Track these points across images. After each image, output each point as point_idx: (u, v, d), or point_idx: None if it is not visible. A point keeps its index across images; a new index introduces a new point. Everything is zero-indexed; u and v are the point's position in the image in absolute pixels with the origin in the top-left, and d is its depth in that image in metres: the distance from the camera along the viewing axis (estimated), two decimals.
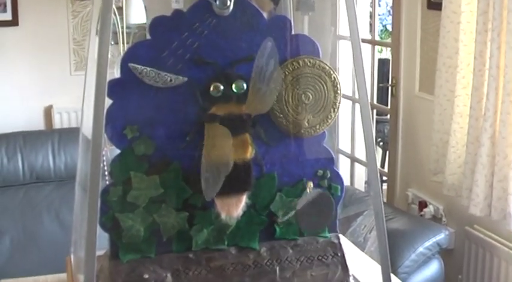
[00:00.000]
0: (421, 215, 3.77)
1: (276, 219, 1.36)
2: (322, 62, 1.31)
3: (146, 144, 1.27)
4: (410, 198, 4.04)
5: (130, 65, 1.22)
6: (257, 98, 1.26)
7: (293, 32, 1.31)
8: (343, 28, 4.73)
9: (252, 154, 1.29)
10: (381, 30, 6.03)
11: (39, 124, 4.93)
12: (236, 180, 1.29)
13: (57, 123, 4.99)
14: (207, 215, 1.31)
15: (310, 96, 1.31)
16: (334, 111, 1.33)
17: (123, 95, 1.25)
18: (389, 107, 4.19)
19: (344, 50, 4.72)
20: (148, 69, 1.22)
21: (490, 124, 3.00)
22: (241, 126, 1.28)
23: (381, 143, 5.30)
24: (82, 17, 4.98)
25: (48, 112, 5.05)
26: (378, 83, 4.92)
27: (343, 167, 4.79)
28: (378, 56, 5.24)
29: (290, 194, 1.36)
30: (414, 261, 3.08)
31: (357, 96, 4.50)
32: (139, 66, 1.22)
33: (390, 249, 3.12)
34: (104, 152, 1.38)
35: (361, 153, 4.80)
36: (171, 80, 1.22)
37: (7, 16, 4.83)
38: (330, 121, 1.33)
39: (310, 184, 1.33)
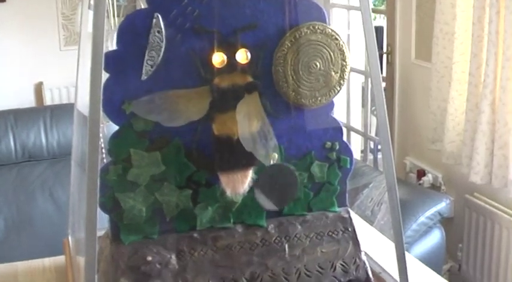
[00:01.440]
0: (420, 184, 3.75)
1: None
2: (329, 28, 1.24)
3: (146, 119, 1.20)
4: (408, 166, 4.01)
5: (156, 14, 1.14)
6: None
7: None
8: None
9: (257, 127, 1.23)
10: None
11: (30, 101, 4.84)
12: (241, 155, 1.22)
13: (48, 100, 4.91)
14: (212, 192, 1.25)
15: (318, 64, 1.24)
16: (342, 79, 1.27)
17: (121, 68, 1.17)
18: (384, 75, 4.14)
19: (337, 18, 4.65)
20: (163, 32, 1.15)
21: (490, 90, 2.95)
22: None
23: (376, 112, 5.25)
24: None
25: (38, 89, 4.97)
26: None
27: (353, 137, 4.76)
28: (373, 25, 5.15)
29: (298, 168, 1.29)
30: (415, 230, 3.05)
31: (351, 64, 4.45)
32: (159, 22, 1.15)
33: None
34: (100, 129, 1.32)
35: (356, 122, 4.76)
36: (151, 66, 1.16)
37: None
38: (339, 89, 1.27)
39: (275, 156, 1.25)
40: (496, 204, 3.25)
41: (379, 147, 4.35)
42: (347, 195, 1.36)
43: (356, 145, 4.81)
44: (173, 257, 1.23)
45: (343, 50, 1.26)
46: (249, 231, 1.28)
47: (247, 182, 1.24)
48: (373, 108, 5.24)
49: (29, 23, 4.81)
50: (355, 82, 4.68)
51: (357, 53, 4.42)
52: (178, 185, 1.24)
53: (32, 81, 4.95)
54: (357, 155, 4.71)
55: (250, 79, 1.21)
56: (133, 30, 1.16)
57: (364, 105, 4.81)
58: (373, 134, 4.98)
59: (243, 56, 1.20)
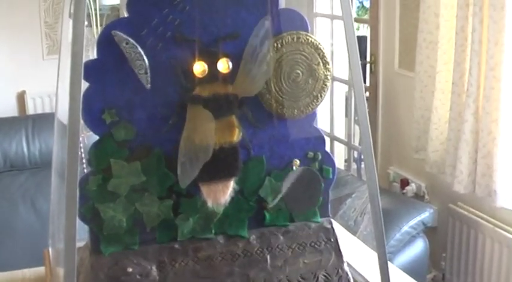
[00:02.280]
0: (403, 193, 3.74)
1: (266, 204, 1.29)
2: (312, 37, 1.24)
3: (126, 129, 1.19)
4: (391, 176, 4.01)
5: (114, 32, 1.13)
6: (247, 79, 1.18)
7: (280, 7, 1.23)
8: (320, 5, 4.66)
9: (239, 137, 1.22)
10: (358, 7, 5.96)
11: (12, 110, 4.81)
12: (223, 165, 1.22)
13: (30, 109, 4.87)
14: (193, 203, 1.24)
15: (300, 73, 1.24)
16: (324, 89, 1.26)
17: (100, 77, 1.16)
18: (368, 84, 4.14)
19: (321, 27, 4.66)
20: (132, 41, 1.14)
21: (473, 100, 2.96)
22: (227, 107, 1.20)
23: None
24: (53, 0, 4.84)
25: (21, 98, 4.93)
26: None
27: (336, 146, 4.75)
28: (356, 33, 5.17)
29: (280, 178, 1.29)
30: (399, 240, 3.05)
31: (335, 74, 4.44)
32: (125, 36, 1.13)
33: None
34: (80, 139, 1.30)
35: (339, 132, 4.76)
36: (146, 72, 1.14)
37: None
38: (320, 99, 1.26)
39: (297, 162, 1.26)
40: (480, 214, 3.25)
41: (362, 156, 4.36)
42: (330, 205, 1.35)
43: (339, 154, 4.80)
44: (154, 268, 1.22)
45: (325, 59, 1.26)
46: (230, 242, 1.27)
47: (229, 192, 1.23)
48: (357, 117, 5.25)
49: (12, 31, 4.78)
50: (338, 91, 4.69)
51: (340, 62, 4.42)
52: (159, 195, 1.22)
53: (15, 90, 4.91)
54: (340, 164, 4.71)
55: (231, 89, 1.20)
56: (114, 40, 1.15)
57: (347, 114, 4.81)
58: (356, 143, 4.98)
59: (224, 65, 1.19)
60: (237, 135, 1.22)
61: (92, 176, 1.19)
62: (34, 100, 4.87)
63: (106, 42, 1.15)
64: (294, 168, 1.27)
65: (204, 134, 1.19)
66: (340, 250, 1.32)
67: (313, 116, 1.29)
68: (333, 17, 4.53)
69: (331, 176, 1.33)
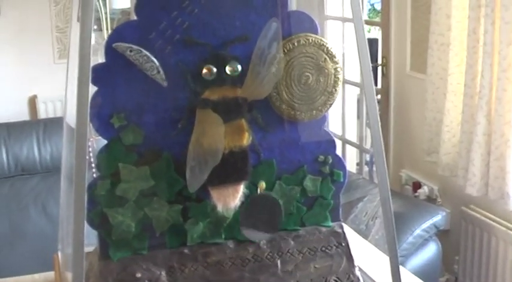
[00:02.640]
0: (416, 196, 3.72)
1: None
2: (322, 39, 1.22)
3: (135, 133, 1.18)
4: (403, 179, 3.98)
5: (115, 45, 1.12)
6: (255, 82, 1.17)
7: (289, 9, 1.21)
8: (331, 7, 4.65)
9: (249, 140, 1.21)
10: (369, 10, 5.94)
11: (23, 115, 4.81)
12: (232, 169, 1.20)
13: (42, 113, 4.88)
14: (202, 207, 1.23)
15: (310, 76, 1.22)
16: (335, 92, 1.25)
17: (109, 81, 1.15)
18: (379, 87, 4.12)
19: (331, 30, 4.64)
20: (135, 47, 1.13)
21: (486, 102, 2.93)
22: (237, 110, 1.19)
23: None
24: (64, 4, 4.85)
25: (32, 102, 4.94)
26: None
27: (349, 149, 4.73)
28: (367, 35, 5.14)
29: (290, 182, 1.27)
30: (411, 243, 3.02)
31: (346, 77, 4.42)
32: (127, 45, 1.12)
33: None
34: (89, 143, 1.30)
35: (351, 135, 4.73)
36: (158, 71, 1.13)
37: None
38: (331, 102, 1.25)
39: (262, 184, 1.24)
40: (493, 216, 3.22)
41: (374, 159, 4.34)
42: (341, 209, 1.34)
43: (351, 157, 4.78)
44: (163, 274, 1.21)
45: (335, 62, 1.24)
46: (240, 247, 1.26)
47: (239, 196, 1.22)
48: (368, 120, 5.23)
49: (23, 36, 4.79)
50: (350, 94, 4.67)
51: (351, 65, 4.40)
52: (168, 199, 1.21)
53: (26, 94, 4.92)
54: (352, 167, 4.69)
55: (240, 92, 1.19)
56: (122, 42, 1.14)
57: (359, 117, 4.79)
58: (368, 146, 4.96)
59: (233, 68, 1.17)
60: (246, 139, 1.20)
61: (101, 180, 1.18)
62: (45, 104, 4.87)
63: (114, 45, 1.14)
64: (259, 191, 1.25)
65: (213, 138, 1.17)
66: (351, 255, 1.30)
67: (323, 119, 1.28)
68: (344, 20, 4.52)
69: (342, 180, 1.32)
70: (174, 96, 1.18)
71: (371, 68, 1.20)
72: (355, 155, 4.84)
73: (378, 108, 1.19)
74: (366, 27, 5.29)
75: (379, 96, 4.17)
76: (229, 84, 1.18)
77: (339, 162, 1.31)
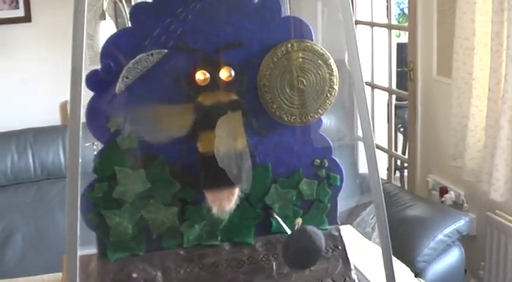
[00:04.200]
0: (442, 202, 3.69)
1: (272, 212, 1.29)
2: (316, 45, 1.24)
3: (130, 137, 1.20)
4: (430, 184, 3.95)
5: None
6: None
7: (283, 15, 1.23)
8: (360, 13, 4.65)
9: (244, 144, 1.23)
10: (399, 14, 5.91)
11: (55, 120, 4.88)
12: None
13: None
14: (198, 210, 1.25)
15: (305, 81, 1.24)
16: (331, 96, 1.26)
17: (105, 86, 1.18)
18: (407, 92, 4.10)
19: (360, 34, 4.63)
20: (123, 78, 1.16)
21: (509, 106, 2.91)
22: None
23: (401, 129, 5.20)
24: (95, 11, 4.93)
25: (64, 108, 5.02)
26: (397, 67, 4.83)
27: (363, 153, 4.70)
28: (396, 40, 5.14)
29: (286, 185, 1.29)
30: (434, 249, 3.00)
31: (375, 81, 4.42)
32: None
33: (409, 237, 3.04)
34: (94, 147, 1.33)
35: (381, 140, 4.72)
36: (152, 54, 1.15)
37: (19, 13, 4.79)
38: (326, 107, 1.26)
39: (299, 221, 1.25)
40: None
41: (405, 165, 4.31)
42: (338, 213, 1.35)
43: (381, 163, 4.76)
44: (159, 274, 1.23)
45: (330, 66, 1.26)
46: (236, 249, 1.28)
47: (234, 199, 1.24)
48: (399, 125, 5.21)
49: (55, 42, 4.86)
50: (379, 99, 4.65)
51: (380, 69, 4.39)
52: (164, 202, 1.24)
53: (58, 100, 4.99)
54: (382, 172, 4.67)
55: (234, 97, 1.21)
56: (118, 49, 1.17)
57: (389, 121, 4.77)
58: (399, 152, 4.95)
59: (226, 73, 1.20)
60: (241, 143, 1.22)
61: (98, 183, 1.22)
62: None
63: (111, 51, 1.17)
64: (296, 227, 1.26)
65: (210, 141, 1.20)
66: (347, 258, 1.31)
67: (319, 123, 1.29)
68: (372, 25, 4.51)
69: (338, 183, 1.33)
70: (168, 101, 1.20)
71: (360, 65, 1.20)
72: (385, 160, 4.82)
73: (368, 110, 1.19)
74: (396, 32, 5.26)
75: (406, 102, 4.15)
76: (223, 89, 1.20)
77: (336, 166, 1.32)
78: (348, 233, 1.65)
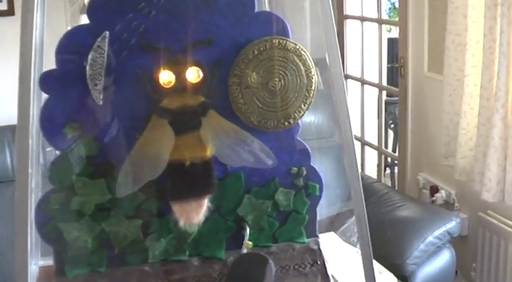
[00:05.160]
0: (433, 201, 3.61)
1: (245, 224, 1.19)
2: (294, 42, 1.13)
3: (89, 144, 1.10)
4: (421, 183, 3.87)
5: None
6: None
7: (256, 9, 1.13)
8: (350, 7, 4.55)
9: (213, 151, 1.12)
10: (389, 9, 5.80)
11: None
12: (195, 182, 1.12)
13: None
14: (164, 223, 1.15)
15: (279, 83, 1.14)
16: (307, 100, 1.16)
17: (61, 88, 1.08)
18: (398, 88, 4.01)
19: (350, 29, 4.55)
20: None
21: (502, 104, 2.81)
22: (198, 119, 1.10)
23: (392, 125, 5.12)
24: (79, 4, 4.81)
25: None
26: (388, 63, 4.75)
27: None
28: (387, 35, 5.05)
29: (260, 195, 1.19)
30: (423, 251, 2.91)
31: (365, 77, 4.33)
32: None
33: (398, 240, 2.95)
34: (57, 152, 1.23)
35: (371, 136, 4.63)
36: (99, 47, 1.05)
37: (2, 6, 4.67)
38: (302, 112, 1.16)
39: (249, 244, 1.16)
40: (510, 223, 3.10)
41: (396, 162, 4.23)
42: (317, 224, 1.25)
43: (372, 160, 4.68)
44: None
45: (309, 66, 1.15)
46: (205, 265, 1.18)
47: (203, 211, 1.14)
48: (390, 122, 5.12)
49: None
50: (369, 95, 4.56)
51: (371, 64, 4.30)
52: (126, 214, 1.14)
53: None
54: (372, 170, 4.58)
55: (202, 99, 1.10)
56: (74, 48, 1.07)
57: (379, 117, 4.68)
58: (389, 149, 4.86)
59: (194, 74, 1.09)
60: (210, 150, 1.12)
61: (53, 194, 1.12)
62: None
63: (67, 50, 1.07)
64: (245, 250, 1.16)
65: (159, 150, 1.09)
66: (327, 273, 1.22)
67: (295, 128, 1.19)
68: (363, 19, 4.41)
69: (318, 193, 1.23)
70: (131, 105, 1.10)
71: (340, 61, 1.10)
72: (375, 157, 4.73)
73: (349, 112, 1.09)
74: (387, 27, 5.16)
75: (397, 98, 4.06)
76: (190, 92, 1.10)
77: (315, 174, 1.22)
78: (331, 241, 1.57)
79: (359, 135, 4.56)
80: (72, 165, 1.10)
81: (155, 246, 1.16)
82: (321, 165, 3.51)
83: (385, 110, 4.92)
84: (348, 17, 4.55)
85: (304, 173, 1.21)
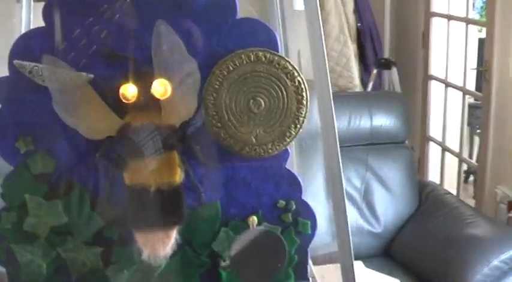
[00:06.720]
0: (510, 217, 3.34)
1: (220, 261, 1.04)
2: (281, 56, 0.97)
3: (44, 160, 0.99)
4: (499, 196, 3.60)
5: (16, 62, 0.93)
6: (173, 100, 0.94)
7: (238, 16, 0.97)
8: (437, 3, 4.30)
9: (182, 177, 0.98)
10: (481, 7, 5.45)
11: None
12: (162, 211, 0.99)
13: None
14: (128, 252, 1.02)
15: (262, 103, 0.98)
16: (295, 126, 0.99)
17: (14, 97, 0.97)
18: (481, 94, 3.75)
19: (436, 27, 4.29)
20: (40, 66, 0.93)
21: None
22: (165, 140, 0.97)
23: (478, 131, 4.82)
24: None
25: None
26: (478, 66, 4.47)
27: (433, 156, 4.40)
28: (478, 35, 4.75)
29: (239, 230, 1.04)
30: (487, 275, 2.67)
31: (451, 79, 4.08)
32: (27, 64, 0.93)
33: (461, 260, 2.72)
34: None
35: (453, 143, 4.37)
36: (70, 79, 0.93)
37: None
38: (288, 139, 0.99)
39: (254, 219, 1.00)
40: None
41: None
42: (308, 265, 1.08)
43: (452, 168, 4.42)
44: None
45: (299, 85, 0.99)
46: None
47: (170, 243, 1.00)
48: (477, 126, 4.84)
49: None
50: (452, 99, 4.30)
51: (456, 65, 4.04)
52: (84, 240, 1.02)
53: None
54: (452, 179, 4.32)
55: (164, 118, 0.96)
56: (28, 53, 0.95)
57: (469, 124, 4.42)
58: (474, 156, 4.58)
59: (161, 88, 0.95)
60: (179, 175, 0.98)
61: (5, 212, 1.01)
62: None
63: (19, 56, 0.95)
64: (251, 227, 1.01)
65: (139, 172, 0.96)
66: None
67: (285, 155, 1.03)
68: (449, 17, 4.15)
69: (309, 232, 1.06)
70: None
71: (327, 68, 0.94)
72: (455, 165, 4.47)
73: (334, 113, 0.92)
74: (477, 27, 4.85)
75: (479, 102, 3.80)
76: (155, 108, 0.96)
77: (306, 209, 1.05)
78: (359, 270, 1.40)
79: (440, 139, 4.32)
80: (25, 183, 0.99)
81: (117, 278, 1.03)
82: (390, 172, 3.29)
83: (472, 115, 4.64)
84: (434, 14, 4.30)
85: (293, 207, 1.04)
